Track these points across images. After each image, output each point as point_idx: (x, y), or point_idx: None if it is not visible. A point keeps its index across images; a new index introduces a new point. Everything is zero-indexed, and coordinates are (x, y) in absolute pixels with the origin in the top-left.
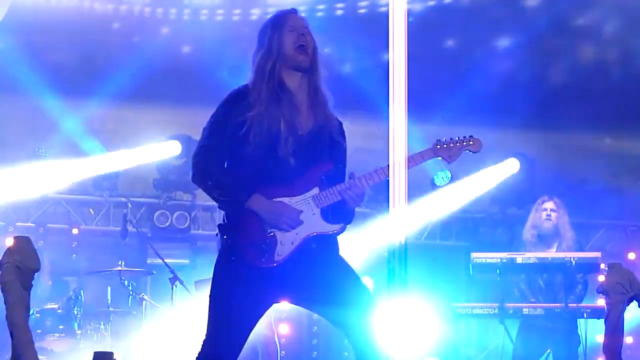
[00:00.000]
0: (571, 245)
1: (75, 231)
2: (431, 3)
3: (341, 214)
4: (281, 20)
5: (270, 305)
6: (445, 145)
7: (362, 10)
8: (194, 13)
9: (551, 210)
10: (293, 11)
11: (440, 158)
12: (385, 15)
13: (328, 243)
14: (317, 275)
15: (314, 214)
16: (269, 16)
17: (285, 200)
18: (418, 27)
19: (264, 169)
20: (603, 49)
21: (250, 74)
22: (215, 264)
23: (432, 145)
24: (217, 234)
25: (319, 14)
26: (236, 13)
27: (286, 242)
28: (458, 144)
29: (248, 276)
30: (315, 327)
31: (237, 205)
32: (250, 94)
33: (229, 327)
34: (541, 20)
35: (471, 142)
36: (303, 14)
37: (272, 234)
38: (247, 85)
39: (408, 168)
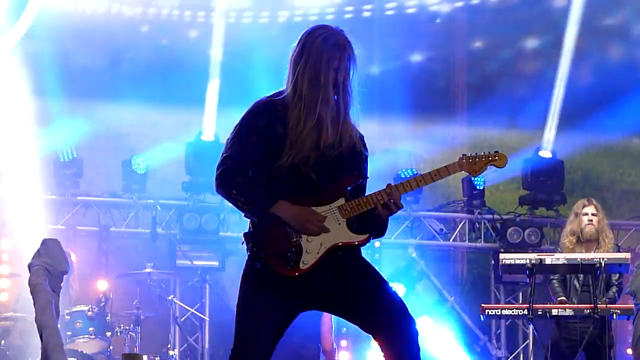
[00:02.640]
0: (610, 249)
1: None
2: (458, 4)
3: (367, 225)
4: (330, 56)
5: (298, 314)
6: (470, 160)
7: (389, 12)
8: (222, 16)
9: (592, 214)
10: (343, 47)
11: (465, 172)
12: (412, 17)
13: (353, 252)
14: (343, 283)
15: (339, 224)
16: (297, 19)
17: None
18: (445, 28)
19: (288, 181)
20: (632, 49)
21: (288, 84)
22: (243, 273)
23: (458, 159)
24: (242, 243)
25: (347, 15)
26: (264, 15)
27: (312, 251)
28: (483, 159)
29: (274, 284)
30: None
31: (262, 213)
32: (280, 105)
33: (255, 335)
34: (568, 20)
35: (497, 158)
36: (331, 16)
37: (297, 242)
38: (277, 96)
39: (434, 181)
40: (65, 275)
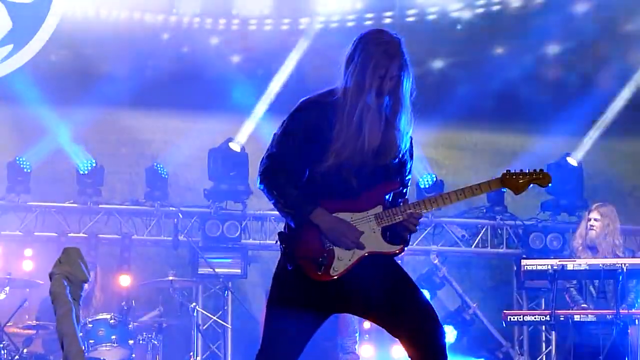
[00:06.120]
0: (619, 255)
1: None
2: (479, 10)
3: (401, 235)
4: (377, 63)
5: (328, 316)
6: (514, 177)
7: (410, 19)
8: (243, 23)
9: (595, 219)
10: (392, 56)
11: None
12: (432, 23)
13: (386, 260)
14: (373, 288)
15: (374, 232)
16: (319, 26)
17: (348, 215)
18: (467, 34)
19: (328, 184)
20: None
21: (340, 85)
22: (275, 271)
23: (501, 175)
24: (276, 242)
25: (368, 22)
26: (285, 23)
27: (344, 258)
28: (527, 177)
29: (303, 288)
30: None
31: (300, 217)
32: (329, 105)
33: (283, 335)
34: (590, 26)
35: (540, 176)
36: (352, 23)
37: (330, 248)
38: (327, 94)
39: (474, 195)
40: (87, 285)
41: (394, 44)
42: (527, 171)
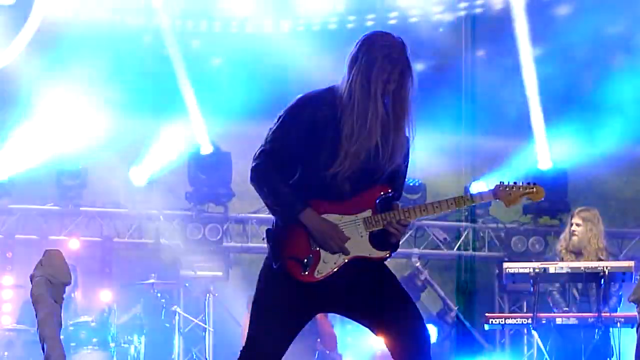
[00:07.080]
0: (603, 259)
1: None
2: (461, 13)
3: (389, 241)
4: (380, 68)
5: (311, 318)
6: (507, 189)
7: (392, 22)
8: (225, 25)
9: (577, 224)
10: (395, 61)
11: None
12: (415, 26)
13: (373, 263)
14: (358, 291)
15: (362, 236)
16: (300, 28)
17: (337, 217)
18: (448, 37)
19: (323, 183)
20: (635, 57)
21: (343, 85)
22: (261, 268)
23: (495, 187)
24: (263, 238)
25: (350, 25)
26: (266, 25)
27: (329, 261)
28: (521, 190)
29: (288, 286)
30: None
31: (288, 216)
32: (328, 102)
33: (267, 333)
34: (572, 29)
35: (534, 190)
36: (333, 26)
37: (316, 249)
38: (328, 91)
39: (466, 206)
40: (67, 287)
41: (397, 48)
42: (521, 184)
